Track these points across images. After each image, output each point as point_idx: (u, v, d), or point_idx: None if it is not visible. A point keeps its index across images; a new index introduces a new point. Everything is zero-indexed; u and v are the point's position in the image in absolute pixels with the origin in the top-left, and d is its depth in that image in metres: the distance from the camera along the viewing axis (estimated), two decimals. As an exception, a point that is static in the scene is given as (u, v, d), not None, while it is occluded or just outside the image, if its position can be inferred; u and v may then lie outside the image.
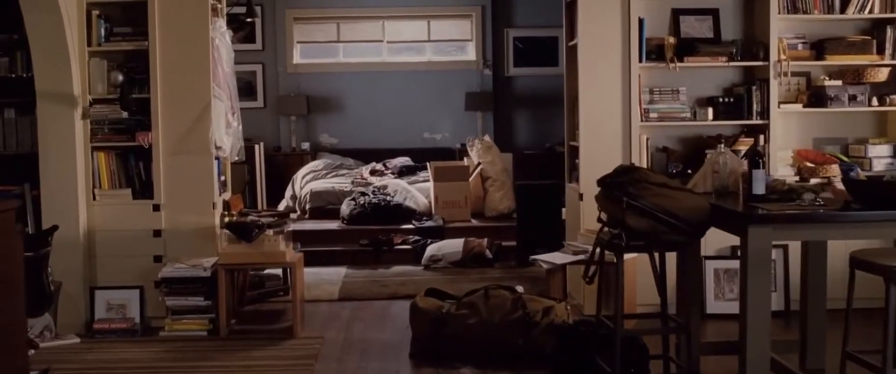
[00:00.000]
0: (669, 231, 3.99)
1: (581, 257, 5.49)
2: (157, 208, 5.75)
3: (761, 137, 6.05)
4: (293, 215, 9.43)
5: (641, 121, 6.05)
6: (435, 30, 11.45)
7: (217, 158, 5.90)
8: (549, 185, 8.07)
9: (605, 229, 4.28)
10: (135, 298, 5.69)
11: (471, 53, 11.51)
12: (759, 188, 4.12)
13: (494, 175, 9.43)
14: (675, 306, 4.74)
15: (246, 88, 10.91)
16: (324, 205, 9.33)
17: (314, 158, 10.79)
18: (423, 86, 11.30)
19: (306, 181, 9.84)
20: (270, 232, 5.71)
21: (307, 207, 9.38)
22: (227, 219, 5.82)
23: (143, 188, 5.76)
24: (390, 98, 11.28)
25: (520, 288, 5.49)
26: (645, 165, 6.06)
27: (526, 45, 11.43)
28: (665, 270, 4.40)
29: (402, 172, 10.01)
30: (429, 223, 8.75)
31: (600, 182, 4.22)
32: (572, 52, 6.37)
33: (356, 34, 11.36)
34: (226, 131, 5.98)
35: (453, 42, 11.53)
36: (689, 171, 5.99)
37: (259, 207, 7.08)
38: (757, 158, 4.15)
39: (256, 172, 7.01)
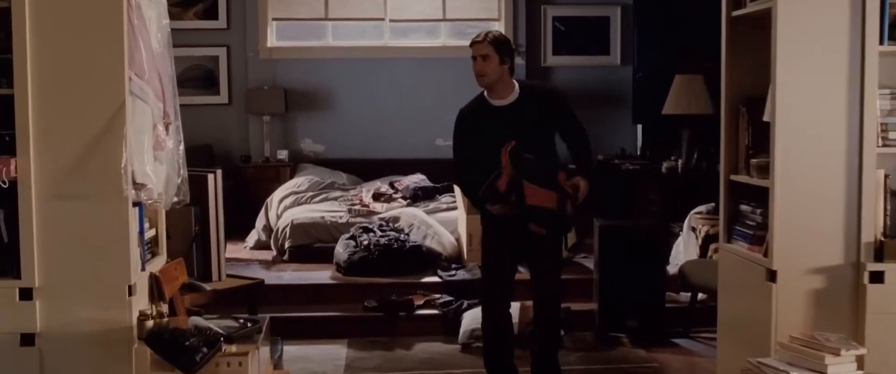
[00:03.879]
0: None
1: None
2: (27, 293, 3.48)
3: None
4: (268, 256, 6.94)
5: (878, 145, 3.56)
6: (451, 6, 9.57)
7: (138, 203, 3.56)
8: (645, 227, 5.57)
9: None
10: (-13, 455, 3.51)
11: (498, 37, 9.42)
12: None
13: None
14: None
15: (205, 79, 9.18)
16: (310, 243, 6.95)
17: (295, 173, 8.60)
18: (436, 78, 9.39)
19: (285, 208, 7.41)
20: (231, 348, 3.14)
21: (286, 245, 6.89)
22: (149, 321, 3.24)
23: (4, 258, 3.51)
24: (393, 93, 9.44)
25: None
26: (881, 222, 3.55)
27: (568, 26, 9.58)
28: None
29: (417, 196, 7.55)
30: (461, 275, 6.31)
31: None
32: (737, 27, 3.95)
33: (349, 10, 9.51)
34: (154, 155, 3.58)
35: (475, 22, 9.64)
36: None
37: (215, 274, 4.47)
38: None
39: (211, 216, 4.40)
